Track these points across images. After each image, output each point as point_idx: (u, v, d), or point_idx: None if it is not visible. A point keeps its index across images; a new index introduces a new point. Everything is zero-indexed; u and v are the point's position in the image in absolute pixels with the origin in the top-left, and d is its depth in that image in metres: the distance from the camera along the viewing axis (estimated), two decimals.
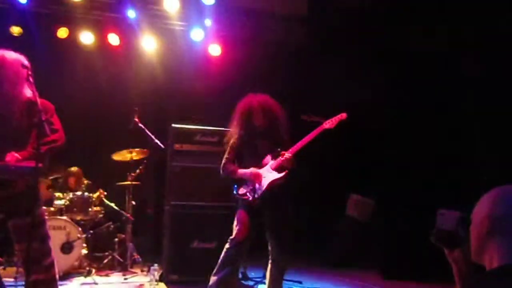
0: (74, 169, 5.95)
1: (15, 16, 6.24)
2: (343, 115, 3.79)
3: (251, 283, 5.05)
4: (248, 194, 3.81)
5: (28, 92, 3.22)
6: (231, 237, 3.77)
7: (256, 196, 3.77)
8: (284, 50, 6.81)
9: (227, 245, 3.76)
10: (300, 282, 5.13)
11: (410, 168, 5.67)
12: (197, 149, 5.21)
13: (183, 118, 5.43)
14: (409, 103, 5.88)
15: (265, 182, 3.76)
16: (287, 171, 3.74)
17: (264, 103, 3.86)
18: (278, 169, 3.76)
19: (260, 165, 3.82)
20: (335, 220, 6.82)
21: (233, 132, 3.99)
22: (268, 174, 3.76)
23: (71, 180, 5.91)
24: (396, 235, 5.73)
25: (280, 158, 3.70)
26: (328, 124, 3.76)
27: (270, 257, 3.85)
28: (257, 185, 3.78)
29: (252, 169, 3.82)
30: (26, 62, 3.22)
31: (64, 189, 5.78)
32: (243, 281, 5.12)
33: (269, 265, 3.87)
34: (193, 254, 4.94)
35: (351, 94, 5.76)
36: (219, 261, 3.75)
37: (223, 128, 5.29)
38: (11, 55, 3.22)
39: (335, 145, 6.57)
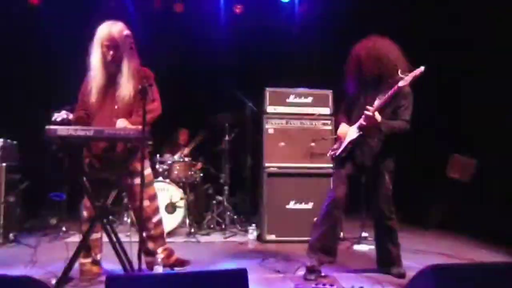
0: (183, 129, 6.28)
1: None
2: (419, 70, 3.30)
3: (347, 244, 5.03)
4: (335, 150, 3.75)
5: (133, 60, 3.39)
6: (328, 194, 3.74)
7: (337, 153, 3.70)
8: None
9: (325, 203, 3.73)
10: None
11: None
12: (291, 111, 5.21)
13: (276, 80, 5.41)
14: None
15: (346, 141, 3.66)
16: (360, 133, 3.55)
17: (372, 49, 3.53)
18: (360, 127, 3.56)
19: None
20: (436, 182, 6.51)
21: (348, 80, 3.77)
22: (353, 133, 3.62)
23: (182, 138, 6.26)
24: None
25: (362, 117, 3.50)
26: (402, 82, 3.32)
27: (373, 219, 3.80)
28: (342, 143, 3.70)
29: (341, 125, 3.75)
30: (128, 32, 3.37)
31: (175, 147, 6.10)
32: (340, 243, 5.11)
33: (374, 228, 3.82)
34: (290, 215, 5.01)
35: None
36: (318, 219, 3.75)
37: (316, 89, 5.28)
38: (115, 27, 3.39)
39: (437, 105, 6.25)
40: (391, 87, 3.41)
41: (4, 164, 4.85)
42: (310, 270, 3.57)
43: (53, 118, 3.28)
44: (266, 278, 3.65)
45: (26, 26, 6.16)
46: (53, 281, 3.14)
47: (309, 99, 5.24)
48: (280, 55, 6.64)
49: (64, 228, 5.30)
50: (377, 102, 3.44)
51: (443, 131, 6.45)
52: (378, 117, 3.43)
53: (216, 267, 3.92)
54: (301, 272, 3.66)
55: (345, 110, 3.88)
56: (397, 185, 3.72)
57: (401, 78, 3.35)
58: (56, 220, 5.65)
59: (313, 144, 5.10)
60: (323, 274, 3.62)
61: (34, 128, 3.10)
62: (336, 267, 3.86)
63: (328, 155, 3.86)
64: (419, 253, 4.61)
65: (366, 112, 3.43)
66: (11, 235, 4.84)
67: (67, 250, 3.31)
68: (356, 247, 4.89)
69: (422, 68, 3.32)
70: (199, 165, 6.09)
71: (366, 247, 4.78)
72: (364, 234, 5.02)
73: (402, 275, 3.60)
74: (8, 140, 5.05)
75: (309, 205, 5.01)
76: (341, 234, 5.03)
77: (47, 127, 3.06)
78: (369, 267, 3.87)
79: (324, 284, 3.09)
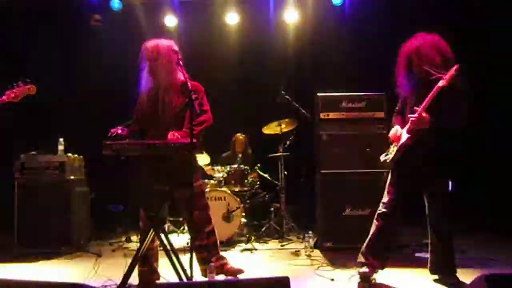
0: (239, 135, 6.43)
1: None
2: (454, 69, 3.20)
3: (407, 250, 4.87)
4: (389, 155, 3.65)
5: (180, 75, 3.53)
6: (382, 201, 3.66)
7: (390, 158, 3.60)
8: None
9: (378, 210, 3.66)
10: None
11: None
12: (344, 117, 5.15)
13: (328, 86, 5.38)
14: None
15: (398, 145, 3.53)
16: (410, 135, 3.40)
17: (422, 47, 3.43)
18: (409, 130, 3.42)
19: None
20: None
21: (399, 81, 3.66)
22: (404, 136, 3.49)
23: (238, 145, 6.39)
24: None
25: (411, 120, 3.36)
26: (442, 81, 3.21)
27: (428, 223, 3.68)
28: (395, 147, 3.58)
29: (394, 128, 3.63)
30: (176, 48, 3.52)
31: (233, 156, 6.26)
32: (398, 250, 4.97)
33: (429, 232, 3.69)
34: (346, 221, 4.94)
35: None
36: (371, 226, 3.68)
37: (370, 93, 5.18)
38: (163, 42, 3.56)
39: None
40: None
41: (72, 178, 5.18)
42: (363, 278, 3.51)
43: (109, 134, 3.49)
44: (321, 286, 3.64)
45: (89, 45, 6.56)
46: None
47: (362, 104, 5.15)
48: (331, 60, 6.60)
49: (128, 237, 5.56)
50: (420, 107, 3.32)
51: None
52: (426, 117, 3.31)
53: (271, 275, 3.94)
54: (356, 279, 3.61)
55: (399, 112, 3.77)
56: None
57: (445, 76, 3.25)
58: (121, 230, 5.95)
59: (368, 149, 5.01)
60: (377, 281, 3.55)
61: (98, 143, 3.31)
62: (393, 274, 3.77)
63: (381, 159, 3.78)
64: (486, 261, 4.39)
65: (410, 115, 3.33)
66: (79, 244, 5.15)
67: (127, 258, 3.48)
68: (418, 254, 4.75)
69: (456, 66, 3.23)
70: (256, 173, 6.17)
71: (428, 254, 4.61)
72: (426, 241, 4.83)
73: (455, 282, 3.47)
74: (76, 155, 5.39)
75: (366, 212, 4.91)
76: (399, 240, 4.89)
77: (104, 142, 3.25)
78: (428, 275, 3.75)
79: None
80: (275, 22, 6.95)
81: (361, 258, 3.62)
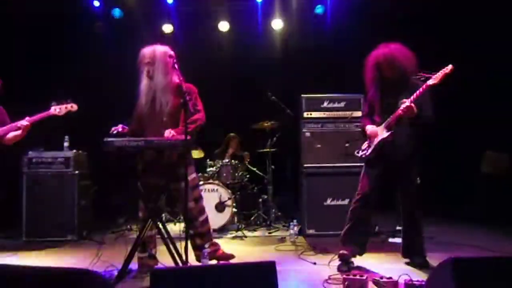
0: (233, 134, 6.42)
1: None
2: (448, 68, 3.27)
3: (382, 237, 4.91)
4: (365, 150, 3.69)
5: (175, 78, 3.51)
6: (357, 192, 3.69)
7: (367, 153, 3.63)
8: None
9: (353, 200, 3.69)
10: None
11: None
12: (325, 115, 5.18)
13: (310, 88, 5.40)
14: None
15: (376, 140, 3.57)
16: (391, 131, 3.47)
17: (390, 54, 3.49)
18: (388, 127, 3.51)
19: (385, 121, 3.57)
20: (471, 178, 6.25)
21: (367, 86, 3.74)
22: (382, 132, 3.54)
23: (231, 144, 6.37)
24: None
25: (389, 119, 3.47)
26: (433, 80, 3.29)
27: (401, 211, 3.72)
28: (372, 143, 3.62)
29: (370, 127, 3.66)
30: (171, 52, 3.51)
31: (225, 152, 6.23)
32: (374, 236, 5.02)
33: (402, 219, 3.73)
34: (328, 210, 4.98)
35: None
36: (347, 215, 3.71)
37: (349, 94, 5.21)
38: (160, 48, 3.54)
39: (468, 100, 6.01)
40: (414, 86, 3.41)
41: (77, 172, 5.13)
42: (343, 261, 3.54)
43: (110, 131, 3.47)
44: (303, 270, 3.66)
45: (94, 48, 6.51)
46: (115, 273, 3.30)
47: (342, 104, 5.19)
48: (314, 64, 6.61)
49: (129, 227, 5.53)
50: (410, 99, 3.36)
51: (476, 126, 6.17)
52: (414, 107, 3.35)
53: (259, 260, 3.95)
54: (336, 263, 3.63)
55: (367, 114, 3.82)
56: (432, 179, 3.64)
57: (423, 78, 3.30)
58: (123, 220, 5.92)
59: (347, 145, 5.03)
60: (355, 265, 3.58)
61: (100, 140, 3.29)
62: (369, 258, 3.80)
63: (358, 155, 3.81)
64: (452, 246, 4.45)
65: (405, 103, 3.35)
66: (83, 233, 5.11)
67: (128, 246, 3.46)
68: (391, 240, 4.79)
69: (450, 66, 3.29)
70: (245, 167, 6.17)
71: (400, 240, 4.65)
72: (399, 228, 4.88)
73: (424, 264, 3.52)
74: (80, 151, 5.34)
75: (345, 201, 4.94)
76: (376, 228, 4.94)
77: (105, 139, 3.23)
78: (401, 259, 3.79)
79: (355, 274, 3.06)
80: (263, 30, 6.95)
81: (341, 244, 3.65)
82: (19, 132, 4.02)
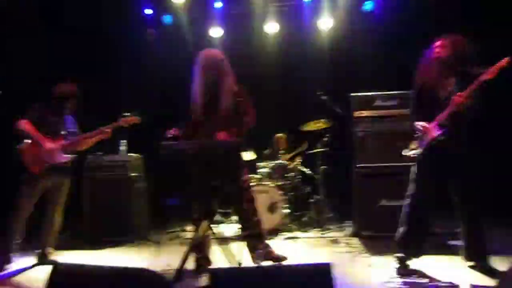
0: (281, 134, 6.42)
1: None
2: (504, 61, 3.07)
3: (441, 238, 4.72)
4: (415, 149, 3.54)
5: (227, 80, 3.57)
6: (409, 193, 3.56)
7: (417, 153, 3.49)
8: None
9: (405, 201, 3.57)
10: None
11: None
12: (377, 114, 5.06)
13: (360, 87, 5.30)
14: None
15: (427, 139, 3.41)
16: (443, 129, 3.29)
17: (450, 47, 3.34)
18: (439, 124, 3.33)
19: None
20: None
21: (417, 81, 3.58)
22: (433, 130, 3.36)
23: (280, 143, 6.38)
24: None
25: (440, 115, 3.28)
26: (487, 74, 3.11)
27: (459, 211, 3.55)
28: (423, 141, 3.47)
29: (420, 124, 3.49)
30: (223, 56, 3.58)
31: (275, 152, 6.25)
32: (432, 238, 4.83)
33: (461, 220, 3.56)
34: (382, 212, 4.84)
35: None
36: (402, 216, 3.59)
37: (401, 91, 5.05)
38: (213, 52, 3.61)
39: None
40: (467, 80, 3.23)
41: (133, 175, 5.33)
42: (401, 264, 3.43)
43: (165, 135, 3.58)
44: (360, 272, 3.59)
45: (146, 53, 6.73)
46: (172, 273, 3.38)
47: (395, 101, 5.04)
48: (364, 62, 6.47)
49: (183, 228, 5.66)
50: (462, 94, 3.21)
51: None
52: (468, 102, 3.20)
53: (313, 262, 3.92)
54: (393, 266, 3.53)
55: (417, 110, 3.63)
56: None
57: (479, 71, 3.14)
58: (177, 221, 6.06)
59: (400, 143, 4.87)
60: (414, 268, 3.46)
61: (155, 144, 3.41)
62: (428, 261, 3.66)
63: (407, 154, 3.67)
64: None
65: (457, 98, 3.20)
66: (140, 234, 5.28)
67: (183, 247, 3.55)
68: (452, 242, 4.59)
69: (506, 59, 3.09)
70: (297, 168, 6.14)
71: (460, 242, 4.45)
72: (457, 230, 4.67)
73: (489, 269, 3.33)
74: (135, 155, 5.54)
75: (401, 202, 4.76)
76: (434, 229, 4.75)
77: (160, 143, 3.33)
78: (462, 262, 3.62)
79: (414, 278, 2.97)
80: (311, 29, 6.90)
81: (397, 246, 3.54)
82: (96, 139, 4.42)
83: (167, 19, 7.04)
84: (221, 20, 6.98)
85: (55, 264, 2.29)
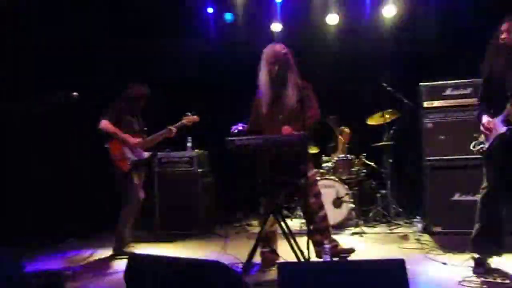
0: (344, 128, 6.32)
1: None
2: None
3: None
4: (482, 144, 3.30)
5: (292, 75, 3.56)
6: (481, 187, 3.34)
7: (484, 148, 3.24)
8: None
9: (480, 197, 3.35)
10: None
11: None
12: (449, 104, 4.80)
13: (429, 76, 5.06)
14: None
15: (492, 135, 3.16)
16: (507, 128, 3.02)
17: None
18: (506, 120, 3.05)
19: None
20: None
21: (486, 68, 3.31)
22: (500, 126, 3.10)
23: (344, 137, 6.29)
24: None
25: (506, 110, 2.98)
26: None
27: None
28: (489, 137, 3.21)
29: (486, 119, 3.22)
30: (287, 50, 3.57)
31: (339, 146, 6.18)
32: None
33: None
34: (456, 207, 4.61)
35: None
36: (476, 212, 3.38)
37: (475, 79, 4.75)
38: (278, 47, 3.61)
39: None
40: None
41: (199, 170, 5.49)
42: (478, 263, 3.24)
43: (231, 130, 3.64)
44: (432, 270, 3.45)
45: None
46: (240, 266, 3.45)
47: (468, 90, 4.76)
48: (432, 50, 6.15)
49: (248, 222, 5.75)
50: None
51: None
52: None
53: (382, 258, 3.82)
54: (469, 265, 3.35)
55: (484, 101, 3.37)
56: None
57: None
58: (243, 215, 6.18)
59: (476, 135, 4.60)
60: (493, 267, 3.25)
61: (221, 139, 3.48)
62: (509, 260, 3.43)
63: (475, 149, 3.44)
64: None
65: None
66: (207, 227, 5.44)
67: (250, 241, 3.60)
68: None
69: None
70: (361, 162, 6.01)
71: None
72: None
73: None
74: (202, 151, 5.70)
75: (476, 197, 4.53)
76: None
77: (226, 138, 3.40)
78: None
79: (495, 278, 2.80)
80: (374, 19, 6.68)
81: (473, 244, 3.34)
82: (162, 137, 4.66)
83: (228, 16, 7.13)
84: (281, 15, 6.96)
85: (132, 255, 2.41)
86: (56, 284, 3.11)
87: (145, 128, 4.64)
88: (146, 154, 4.54)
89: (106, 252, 4.48)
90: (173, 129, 4.56)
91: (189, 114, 4.70)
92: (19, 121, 4.95)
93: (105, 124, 4.28)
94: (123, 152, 4.34)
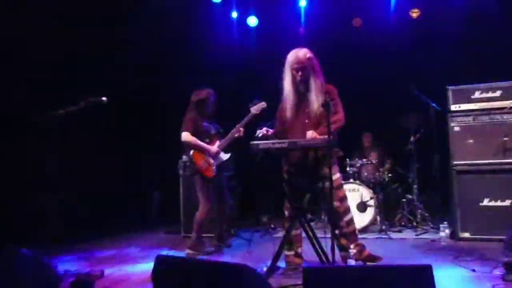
0: (367, 133, 6.28)
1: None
2: None
3: None
4: None
5: (317, 79, 3.56)
6: None
7: None
8: None
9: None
10: None
11: None
12: (477, 107, 4.71)
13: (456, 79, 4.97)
14: None
15: None
16: None
17: None
18: None
19: None
20: None
21: None
22: None
23: (367, 141, 6.24)
24: None
25: None
26: None
27: None
28: None
29: None
30: (312, 55, 3.57)
31: (363, 150, 6.13)
32: None
33: None
34: (484, 212, 4.51)
35: None
36: None
37: (505, 82, 4.66)
38: (304, 51, 3.61)
39: None
40: None
41: (224, 174, 5.51)
42: (510, 270, 3.16)
43: (256, 134, 3.66)
44: (460, 277, 3.37)
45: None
46: (264, 269, 3.46)
47: (497, 93, 4.65)
48: (459, 53, 6.04)
49: (272, 225, 5.75)
50: None
51: None
52: None
53: (408, 263, 3.77)
54: (499, 272, 3.27)
55: None
56: None
57: None
58: (267, 219, 6.18)
59: (506, 138, 4.51)
60: None
61: (246, 143, 3.50)
62: None
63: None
64: None
65: None
66: (232, 231, 5.47)
67: (275, 244, 3.61)
68: None
69: None
70: (387, 166, 5.95)
71: None
72: None
73: None
74: (226, 154, 5.72)
75: (506, 203, 4.44)
76: None
77: (251, 142, 3.42)
78: None
79: None
80: (399, 20, 6.61)
81: (505, 250, 3.27)
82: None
83: (252, 20, 7.18)
84: (305, 19, 6.98)
85: (159, 256, 2.46)
86: (86, 284, 3.20)
87: (221, 130, 4.71)
88: (225, 156, 4.68)
89: (133, 252, 4.56)
90: (241, 128, 4.55)
91: (253, 103, 4.45)
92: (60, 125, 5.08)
93: (186, 136, 4.41)
94: (207, 161, 4.49)
